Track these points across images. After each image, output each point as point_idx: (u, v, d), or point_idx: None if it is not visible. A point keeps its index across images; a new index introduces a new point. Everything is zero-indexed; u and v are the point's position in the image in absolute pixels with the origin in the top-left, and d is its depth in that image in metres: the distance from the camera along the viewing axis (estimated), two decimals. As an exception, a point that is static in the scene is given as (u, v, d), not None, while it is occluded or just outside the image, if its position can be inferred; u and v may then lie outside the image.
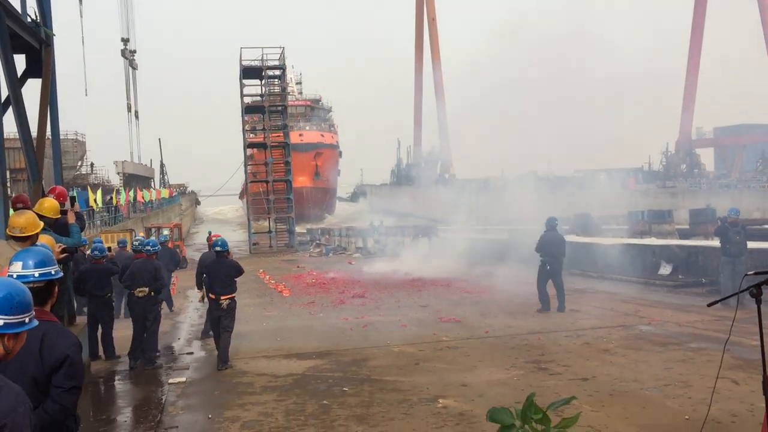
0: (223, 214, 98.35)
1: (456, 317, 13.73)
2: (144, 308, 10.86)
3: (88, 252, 15.66)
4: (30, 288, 3.56)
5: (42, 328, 3.54)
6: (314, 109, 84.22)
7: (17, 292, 2.80)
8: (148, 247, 11.39)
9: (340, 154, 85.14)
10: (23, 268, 3.59)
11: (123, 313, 16.13)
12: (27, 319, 2.83)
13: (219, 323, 10.65)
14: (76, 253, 9.11)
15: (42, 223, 5.89)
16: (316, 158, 74.33)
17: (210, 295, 10.98)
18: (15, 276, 3.58)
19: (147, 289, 10.83)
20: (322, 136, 78.55)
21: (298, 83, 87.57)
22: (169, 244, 21.80)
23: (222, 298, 10.65)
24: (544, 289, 14.60)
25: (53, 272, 3.67)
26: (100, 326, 11.69)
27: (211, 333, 11.74)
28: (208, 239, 14.82)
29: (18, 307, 2.78)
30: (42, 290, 3.63)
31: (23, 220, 5.51)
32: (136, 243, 12.62)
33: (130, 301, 11.14)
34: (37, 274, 3.59)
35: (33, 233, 5.53)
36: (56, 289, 3.77)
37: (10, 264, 3.67)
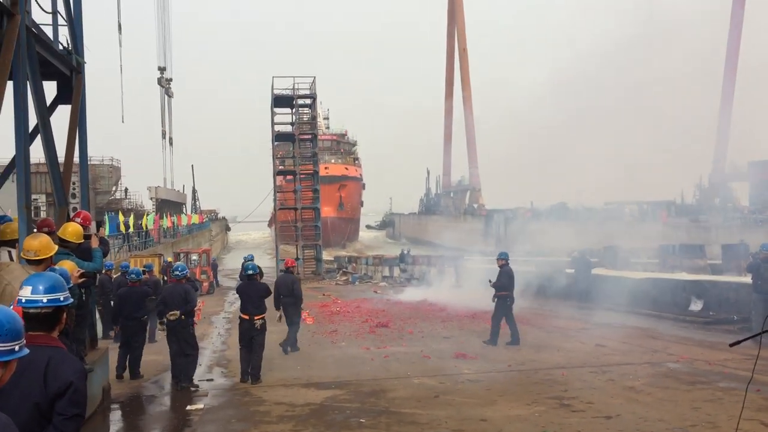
0: (246, 242, 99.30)
1: (471, 354, 13.23)
2: (176, 331, 11.04)
3: (116, 275, 15.89)
4: (38, 313, 3.58)
5: (47, 353, 3.53)
6: (340, 144, 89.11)
7: (7, 319, 2.77)
8: (177, 272, 11.61)
9: (364, 186, 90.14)
10: (32, 293, 3.58)
11: (147, 337, 16.24)
12: (17, 347, 2.78)
13: (252, 342, 11.27)
14: (95, 277, 9.19)
15: (56, 247, 5.92)
16: (340, 190, 78.63)
17: (243, 315, 11.47)
18: (24, 300, 3.58)
19: (178, 313, 10.98)
20: (347, 169, 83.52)
21: (326, 118, 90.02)
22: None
23: (256, 318, 11.32)
24: (514, 322, 14.66)
25: (62, 298, 3.64)
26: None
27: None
28: (285, 262, 15.74)
29: (7, 335, 2.74)
30: (50, 316, 3.61)
31: (37, 244, 5.54)
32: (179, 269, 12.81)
33: (168, 325, 11.45)
34: (45, 300, 3.57)
35: (47, 256, 5.56)
36: (64, 315, 3.75)
37: (21, 288, 3.67)
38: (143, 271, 16.20)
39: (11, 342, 2.76)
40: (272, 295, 12.85)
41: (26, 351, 2.86)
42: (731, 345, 4.77)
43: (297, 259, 41.12)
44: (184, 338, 11.06)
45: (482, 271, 26.80)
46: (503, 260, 15.06)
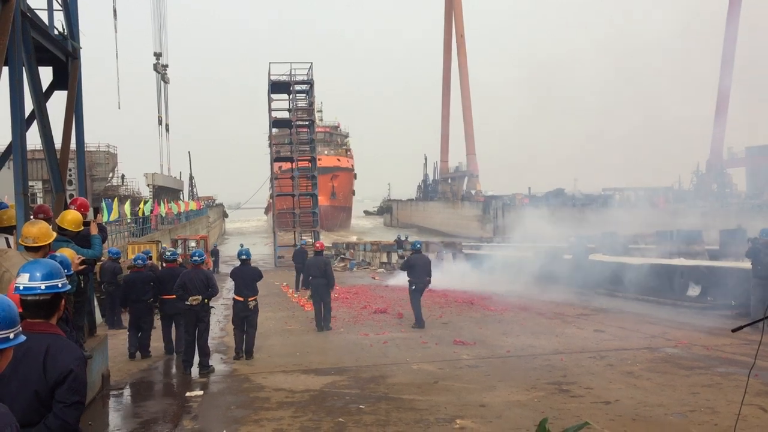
0: (244, 229, 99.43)
1: (470, 341, 13.12)
2: (197, 315, 11.23)
3: (107, 257, 15.92)
4: (36, 301, 3.56)
5: (46, 341, 3.50)
6: (333, 135, 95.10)
7: (2, 307, 2.75)
8: (196, 258, 11.88)
9: (355, 176, 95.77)
10: (30, 280, 3.55)
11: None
12: (12, 335, 2.76)
13: (244, 322, 12.12)
14: (94, 264, 9.17)
15: (55, 234, 5.89)
16: (332, 180, 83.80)
17: (237, 297, 12.30)
18: (21, 288, 3.56)
19: (200, 297, 11.19)
20: (339, 160, 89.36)
21: (319, 111, 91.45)
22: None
23: (249, 299, 12.19)
24: (418, 306, 15.29)
25: (60, 285, 3.62)
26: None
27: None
28: (315, 245, 17.81)
29: (2, 323, 2.72)
30: (48, 303, 3.58)
31: (36, 230, 5.50)
32: (168, 254, 13.67)
33: (173, 312, 12.10)
34: (43, 287, 3.55)
35: (45, 243, 5.52)
36: (63, 302, 3.72)
37: (18, 275, 3.63)
38: (150, 257, 16.33)
39: (6, 330, 2.74)
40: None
41: (22, 338, 2.84)
42: (733, 330, 4.75)
43: (295, 245, 41.18)
44: (204, 323, 11.27)
45: (485, 258, 26.88)
46: (412, 250, 16.56)
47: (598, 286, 20.05)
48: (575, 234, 24.10)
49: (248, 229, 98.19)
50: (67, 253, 6.25)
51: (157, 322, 13.62)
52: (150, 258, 17.63)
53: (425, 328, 14.87)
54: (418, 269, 15.42)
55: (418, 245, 16.78)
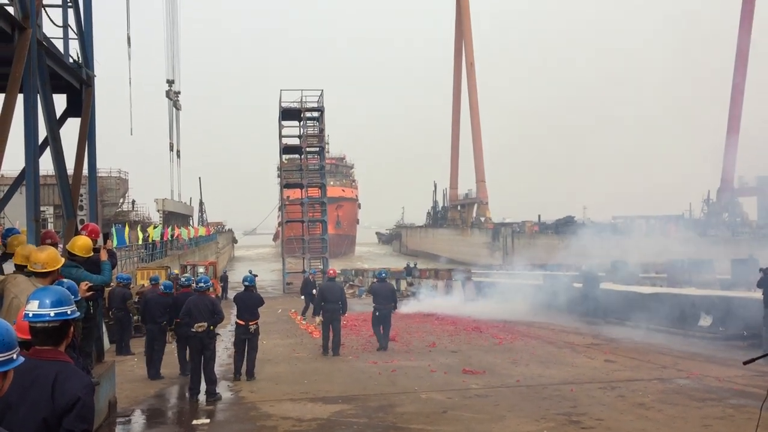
0: (251, 257, 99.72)
1: (479, 369, 13.04)
2: (202, 342, 11.24)
3: (116, 283, 16.01)
4: (45, 328, 3.56)
5: (54, 368, 3.50)
6: (338, 167, 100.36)
7: (0, 331, 2.80)
8: (201, 284, 11.92)
9: (359, 206, 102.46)
10: (39, 307, 3.56)
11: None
12: (14, 356, 2.84)
13: (246, 344, 12.66)
14: (102, 290, 9.18)
15: (63, 259, 5.91)
16: (337, 210, 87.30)
17: (239, 321, 12.84)
18: (31, 315, 3.56)
19: (206, 324, 11.22)
20: (343, 191, 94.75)
21: (326, 143, 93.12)
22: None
23: (250, 323, 12.72)
24: (378, 330, 16.20)
25: (69, 312, 3.62)
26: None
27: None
28: (328, 271, 18.75)
29: (2, 347, 2.77)
30: (57, 330, 3.58)
31: (44, 256, 5.52)
32: (183, 279, 14.68)
33: (187, 336, 11.96)
34: (52, 314, 3.55)
35: (54, 269, 5.55)
36: (72, 329, 3.72)
37: (27, 302, 3.65)
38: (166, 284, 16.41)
39: (7, 352, 2.81)
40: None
41: (21, 359, 2.91)
42: (745, 363, 4.69)
43: (304, 271, 41.18)
44: (209, 350, 11.27)
45: (496, 285, 26.77)
46: (377, 279, 17.48)
47: (609, 315, 19.89)
48: (585, 262, 23.96)
49: (257, 256, 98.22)
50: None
51: (169, 346, 13.67)
52: (156, 284, 17.70)
53: (432, 355, 14.79)
54: (380, 297, 16.45)
55: (382, 274, 17.84)
